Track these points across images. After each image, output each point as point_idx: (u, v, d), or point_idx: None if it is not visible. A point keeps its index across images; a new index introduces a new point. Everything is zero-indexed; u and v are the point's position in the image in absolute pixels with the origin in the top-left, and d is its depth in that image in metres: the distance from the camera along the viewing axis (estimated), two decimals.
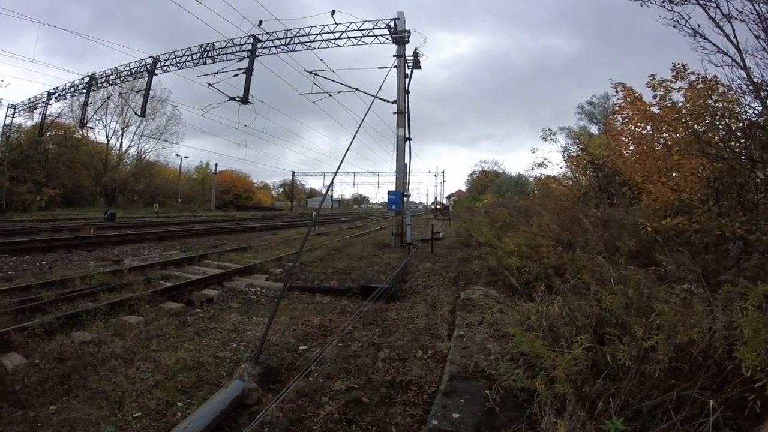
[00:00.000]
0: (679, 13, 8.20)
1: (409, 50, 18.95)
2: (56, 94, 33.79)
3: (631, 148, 10.71)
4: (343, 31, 21.21)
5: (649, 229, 6.62)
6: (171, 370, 4.79)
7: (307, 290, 8.96)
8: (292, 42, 22.25)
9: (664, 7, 8.13)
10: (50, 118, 37.69)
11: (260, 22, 21.52)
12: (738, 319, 2.54)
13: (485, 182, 79.82)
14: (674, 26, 8.34)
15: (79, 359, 5.01)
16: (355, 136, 6.15)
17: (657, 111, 9.12)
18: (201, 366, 4.91)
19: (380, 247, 16.91)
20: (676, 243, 6.57)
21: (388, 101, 18.25)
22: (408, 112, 18.35)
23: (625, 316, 3.16)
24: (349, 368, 4.67)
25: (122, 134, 56.56)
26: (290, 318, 6.92)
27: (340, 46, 21.75)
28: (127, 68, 28.30)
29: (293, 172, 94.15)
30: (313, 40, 21.94)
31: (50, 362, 4.91)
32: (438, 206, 76.66)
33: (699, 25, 8.16)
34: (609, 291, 3.55)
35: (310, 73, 20.88)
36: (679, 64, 8.55)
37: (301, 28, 22.09)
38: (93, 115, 39.03)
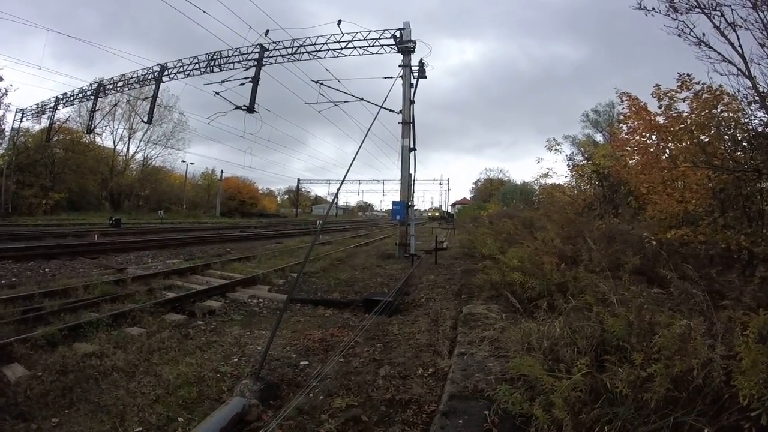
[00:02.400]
0: (683, 21, 8.19)
1: (414, 60, 18.96)
2: (64, 100, 33.98)
3: (636, 158, 10.66)
4: (349, 41, 21.31)
5: (654, 242, 6.57)
6: (172, 385, 4.78)
7: (309, 302, 8.93)
8: (298, 51, 22.36)
9: (669, 16, 8.11)
10: (58, 123, 37.90)
11: (267, 31, 21.62)
12: (738, 347, 2.52)
13: (490, 190, 79.66)
14: (679, 35, 8.32)
15: (81, 372, 5.01)
16: (360, 146, 6.16)
17: (662, 121, 9.09)
18: (202, 381, 4.90)
19: (384, 258, 16.85)
20: (681, 256, 6.54)
21: (393, 111, 18.24)
22: (413, 123, 18.30)
23: (625, 342, 3.15)
24: (349, 385, 4.65)
25: (129, 140, 57.16)
26: (292, 332, 6.89)
27: (346, 55, 21.85)
28: (135, 75, 28.51)
29: (298, 180, 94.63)
30: (320, 50, 22.05)
31: (52, 374, 4.90)
32: (437, 214, 75.61)
33: (704, 34, 8.13)
34: (611, 313, 3.54)
35: (316, 82, 20.94)
36: (684, 74, 8.55)
37: (307, 38, 22.20)
38: (100, 121, 39.36)
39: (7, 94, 37.77)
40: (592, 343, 3.46)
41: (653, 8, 8.21)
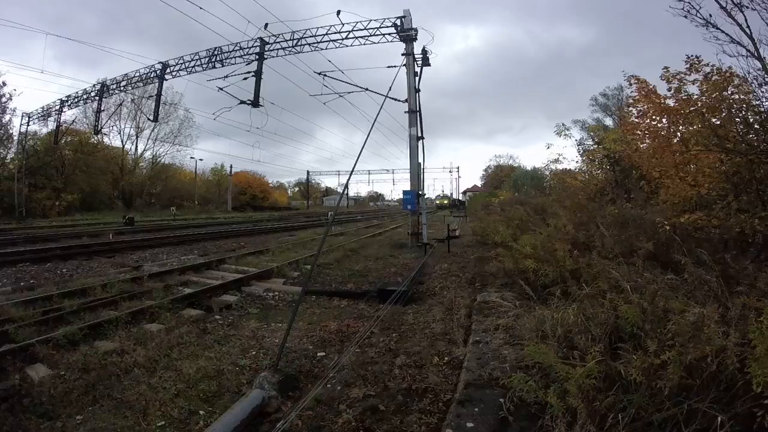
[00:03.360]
0: (689, 2, 8.10)
1: (417, 48, 18.83)
2: (69, 102, 34.07)
3: (647, 141, 10.57)
4: (349, 31, 21.09)
5: (668, 228, 6.54)
6: (192, 379, 4.85)
7: (324, 294, 8.97)
8: (299, 44, 22.20)
9: None
10: (65, 125, 38.10)
11: (266, 24, 21.39)
12: (752, 334, 2.52)
13: (500, 177, 79.16)
14: (685, 16, 8.23)
15: (103, 369, 5.10)
16: (367, 137, 6.18)
17: (672, 104, 9.00)
18: (221, 374, 4.98)
19: (397, 247, 16.84)
20: (695, 240, 6.51)
21: (399, 100, 18.12)
22: (420, 111, 18.21)
23: (639, 330, 3.16)
24: (366, 375, 4.71)
25: (137, 138, 57.44)
26: (308, 324, 6.95)
27: (347, 46, 21.65)
28: (138, 74, 28.55)
29: (308, 172, 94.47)
30: (320, 41, 21.86)
31: (75, 373, 5.01)
32: (446, 201, 73.70)
33: (710, 15, 8.05)
34: (624, 299, 3.55)
35: (320, 74, 20.85)
36: (692, 56, 8.44)
37: (307, 29, 22.07)
38: (107, 121, 39.60)
39: (11, 99, 38.30)
40: (606, 330, 3.48)
41: None
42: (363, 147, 6.21)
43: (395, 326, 6.56)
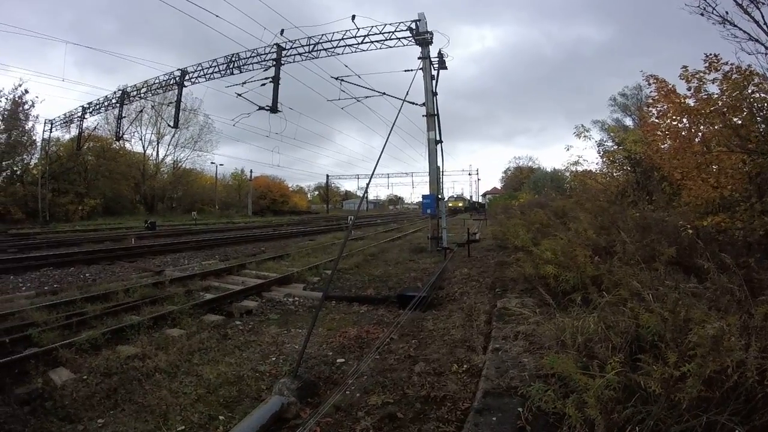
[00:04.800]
0: (705, 0, 7.98)
1: (433, 51, 18.75)
2: (90, 109, 34.70)
3: (668, 142, 10.42)
4: (365, 36, 21.11)
5: (690, 231, 6.44)
6: (213, 384, 4.91)
7: (344, 299, 8.99)
8: (315, 49, 22.26)
9: None
10: (87, 131, 38.83)
11: (282, 30, 21.55)
12: None
13: (520, 178, 78.61)
14: (702, 14, 8.12)
15: (124, 373, 5.19)
16: (386, 142, 6.17)
17: (692, 103, 8.86)
18: (241, 380, 5.04)
19: (416, 252, 16.81)
20: (718, 243, 6.40)
21: (416, 104, 18.02)
22: (437, 114, 18.10)
23: (659, 340, 3.13)
24: (385, 382, 4.70)
25: (158, 144, 58.22)
26: (328, 329, 6.98)
27: (363, 50, 21.67)
28: (157, 81, 28.94)
29: (327, 176, 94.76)
30: (336, 46, 21.88)
31: (97, 377, 5.10)
32: (460, 204, 68.31)
33: (727, 12, 7.92)
34: (646, 308, 3.50)
35: (337, 79, 20.90)
36: (711, 54, 8.28)
37: (323, 35, 22.10)
38: (128, 128, 40.23)
39: (34, 106, 39.18)
40: (627, 339, 3.44)
41: None
42: (381, 152, 6.21)
43: (415, 332, 6.55)
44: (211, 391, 4.78)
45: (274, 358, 5.74)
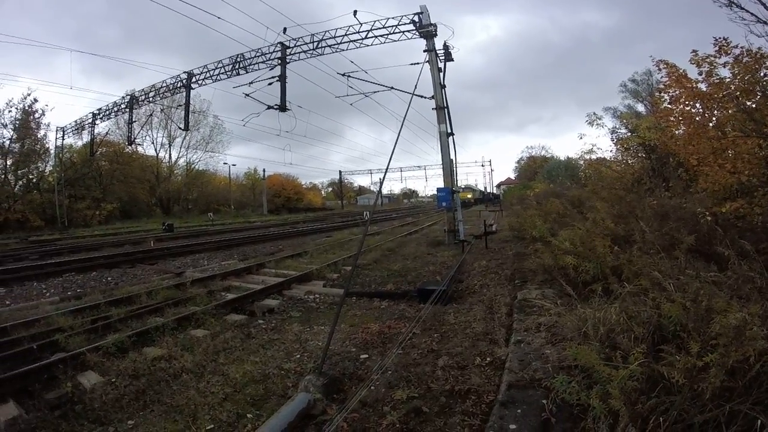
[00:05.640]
0: None
1: (438, 43, 18.55)
2: (101, 115, 35.18)
3: (683, 128, 10.31)
4: (368, 31, 21.00)
5: (709, 218, 6.40)
6: (239, 383, 5.00)
7: (364, 295, 9.03)
8: (319, 46, 22.22)
9: None
10: (99, 137, 39.43)
11: (285, 29, 21.35)
12: None
13: (534, 168, 77.84)
14: None
15: (152, 375, 5.31)
16: (398, 137, 6.20)
17: (705, 88, 8.78)
18: (267, 378, 5.11)
19: (434, 245, 16.75)
20: (738, 230, 6.36)
21: (425, 97, 17.85)
22: (447, 107, 17.94)
23: (681, 330, 3.14)
24: (409, 377, 4.75)
25: (170, 147, 58.68)
26: (350, 326, 7.02)
27: (367, 45, 21.55)
28: (165, 84, 29.18)
29: (340, 172, 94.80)
30: (340, 42, 21.81)
31: (125, 379, 5.20)
32: (469, 196, 65.03)
33: None
34: (667, 298, 3.51)
35: (343, 75, 20.84)
36: (720, 38, 8.20)
37: (326, 31, 22.05)
38: (139, 132, 40.57)
39: (44, 115, 39.70)
40: (649, 329, 3.45)
41: None
42: (394, 148, 6.26)
43: (436, 326, 6.57)
44: (237, 389, 4.86)
45: (298, 356, 5.80)
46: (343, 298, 5.85)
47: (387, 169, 6.59)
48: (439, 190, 18.73)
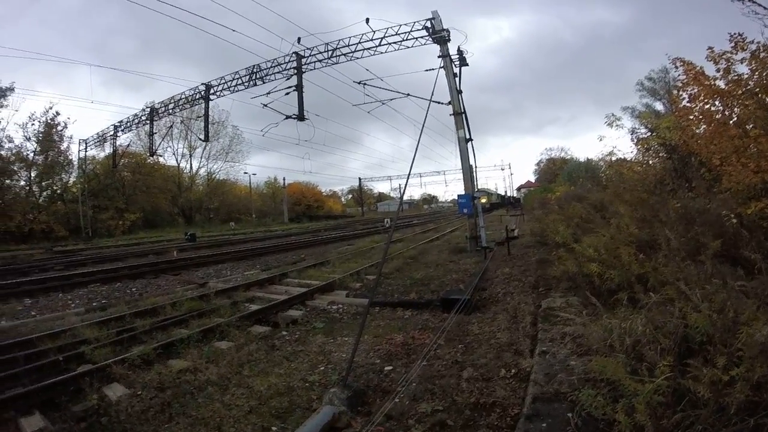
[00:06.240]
0: None
1: (452, 48, 18.57)
2: (122, 127, 36.23)
3: (703, 127, 10.15)
4: (381, 38, 21.20)
5: (734, 220, 6.29)
6: (264, 396, 5.03)
7: (388, 305, 8.95)
8: (334, 55, 22.48)
9: None
10: (121, 148, 40.39)
11: (299, 39, 21.80)
12: None
13: (554, 170, 77.30)
14: None
15: (177, 387, 5.37)
16: (418, 145, 6.21)
17: (723, 85, 8.65)
18: (292, 390, 5.13)
19: (456, 252, 16.66)
20: (764, 231, 6.25)
21: (442, 103, 17.83)
22: (465, 112, 17.90)
23: (707, 344, 3.11)
24: (433, 389, 4.74)
25: (190, 157, 59.80)
26: (374, 336, 6.98)
27: (381, 52, 21.76)
28: (183, 96, 29.82)
29: (359, 179, 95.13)
30: (354, 51, 22.04)
31: (151, 392, 5.27)
32: (484, 200, 65.75)
33: None
34: (693, 307, 3.47)
35: (359, 83, 20.98)
36: (735, 33, 8.06)
37: (340, 40, 22.33)
38: (160, 143, 41.43)
39: (66, 127, 41.21)
40: (675, 340, 3.41)
41: None
42: (414, 156, 6.28)
43: (460, 337, 6.52)
44: (262, 402, 4.89)
45: (322, 368, 5.80)
46: (366, 310, 5.82)
47: (408, 177, 6.63)
48: (459, 196, 18.59)
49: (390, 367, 5.64)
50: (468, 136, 17.87)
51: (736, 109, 8.57)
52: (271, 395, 5.04)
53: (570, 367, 4.15)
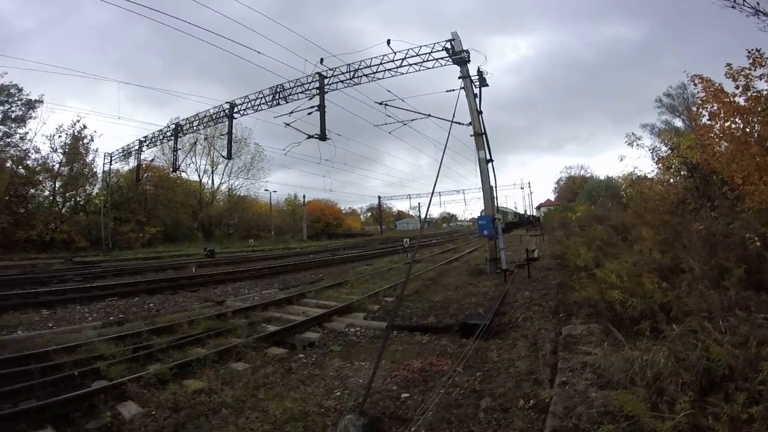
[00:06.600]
0: None
1: (472, 69, 18.64)
2: (147, 142, 37.24)
3: (724, 145, 9.99)
4: (402, 59, 21.38)
5: (758, 243, 6.15)
6: (279, 420, 4.98)
7: (405, 329, 8.84)
8: (356, 75, 22.74)
9: None
10: (145, 162, 41.36)
11: (321, 59, 22.16)
12: None
13: (574, 189, 76.77)
14: (733, 6, 7.86)
15: (192, 408, 5.34)
16: (440, 167, 6.22)
17: (743, 102, 8.53)
18: (307, 416, 5.06)
19: (475, 275, 16.40)
20: None
21: (462, 124, 17.78)
22: (485, 132, 17.85)
23: (728, 380, 3.05)
24: (450, 418, 4.67)
25: (212, 173, 60.50)
26: (391, 362, 6.87)
27: (402, 73, 21.93)
28: (208, 114, 30.47)
29: (379, 197, 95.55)
30: (376, 72, 22.27)
31: (165, 411, 5.26)
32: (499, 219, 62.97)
33: (758, 3, 7.66)
34: (716, 340, 3.40)
35: (381, 104, 21.12)
36: (753, 49, 8.00)
37: (362, 61, 22.59)
38: (184, 159, 42.20)
39: (93, 140, 42.49)
40: (697, 374, 3.34)
41: None
42: (436, 180, 6.28)
43: (479, 364, 6.42)
44: (277, 427, 4.86)
45: (338, 393, 5.75)
46: (386, 336, 5.76)
47: (430, 201, 6.63)
48: (480, 218, 18.49)
49: (407, 395, 5.56)
50: (489, 157, 17.77)
51: (756, 126, 8.46)
52: (286, 420, 4.99)
53: (590, 399, 4.05)
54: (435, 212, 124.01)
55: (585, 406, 3.93)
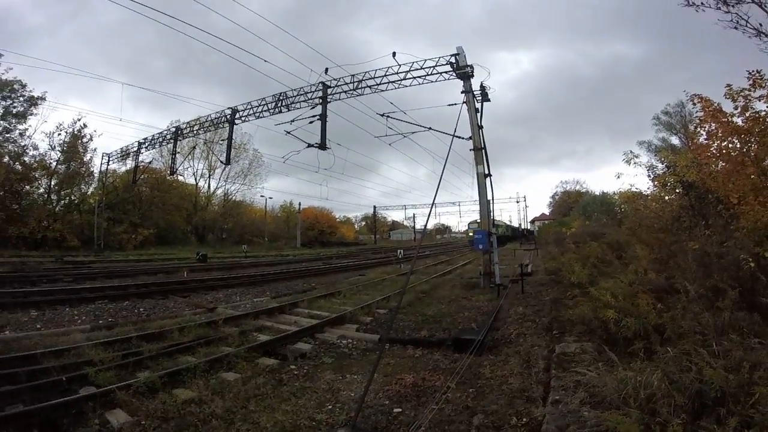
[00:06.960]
0: (736, 13, 7.82)
1: (475, 84, 18.76)
2: (146, 144, 37.14)
3: (722, 164, 10.05)
4: (407, 72, 21.55)
5: (752, 264, 6.17)
6: None
7: (398, 342, 8.82)
8: (359, 86, 22.86)
9: (720, 9, 7.79)
10: (142, 164, 41.15)
11: (326, 69, 22.18)
12: None
13: (569, 203, 77.12)
14: (735, 27, 7.94)
15: (181, 419, 5.25)
16: (440, 181, 6.22)
17: (741, 123, 8.59)
18: (298, 429, 5.02)
19: (468, 288, 16.43)
20: None
21: (463, 138, 17.66)
22: (485, 147, 17.89)
23: (720, 405, 3.05)
24: None
25: (209, 177, 60.33)
26: (383, 375, 6.83)
27: (406, 86, 22.11)
28: (209, 119, 30.47)
29: (374, 207, 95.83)
30: (380, 83, 22.42)
31: (154, 421, 5.16)
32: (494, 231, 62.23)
33: (761, 24, 7.74)
34: (709, 363, 3.41)
35: (382, 115, 21.16)
36: (753, 71, 8.08)
37: (366, 72, 22.72)
38: (182, 162, 42.14)
39: (92, 140, 42.28)
40: (690, 396, 3.34)
41: (702, 2, 7.88)
42: (436, 195, 6.31)
43: (471, 380, 6.39)
44: None
45: (330, 407, 5.70)
46: (381, 351, 5.74)
47: (429, 215, 6.71)
48: (476, 232, 18.46)
49: (399, 410, 5.52)
50: (487, 171, 17.81)
51: (754, 146, 8.51)
52: None
53: (583, 418, 4.02)
54: (430, 223, 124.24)
55: (578, 426, 3.91)
